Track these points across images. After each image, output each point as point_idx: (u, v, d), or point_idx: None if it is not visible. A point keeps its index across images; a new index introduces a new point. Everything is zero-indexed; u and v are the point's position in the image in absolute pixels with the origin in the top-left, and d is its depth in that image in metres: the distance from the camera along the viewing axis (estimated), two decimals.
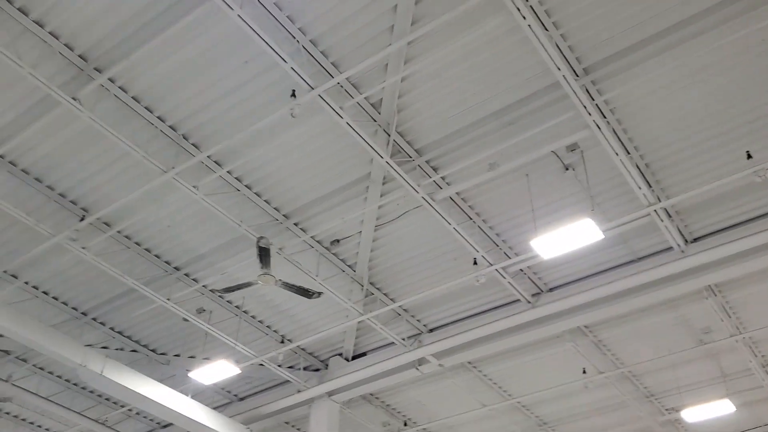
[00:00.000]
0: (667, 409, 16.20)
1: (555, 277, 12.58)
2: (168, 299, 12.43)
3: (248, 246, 12.18)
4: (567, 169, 10.46)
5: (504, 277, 11.76)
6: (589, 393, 15.77)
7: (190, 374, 12.71)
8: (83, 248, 11.35)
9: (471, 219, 11.34)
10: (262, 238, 10.03)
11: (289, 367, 15.28)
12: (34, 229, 11.83)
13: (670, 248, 11.67)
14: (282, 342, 14.06)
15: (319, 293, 11.05)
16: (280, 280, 10.80)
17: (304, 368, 15.04)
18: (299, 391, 14.58)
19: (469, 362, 14.97)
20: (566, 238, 9.61)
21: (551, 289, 12.77)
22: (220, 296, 13.34)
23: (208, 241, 12.17)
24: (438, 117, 9.87)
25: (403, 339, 13.59)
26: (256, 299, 13.39)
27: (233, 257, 12.45)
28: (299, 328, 14.17)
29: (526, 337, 12.65)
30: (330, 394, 14.74)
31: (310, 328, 14.15)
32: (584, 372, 14.58)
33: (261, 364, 14.99)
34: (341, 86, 9.32)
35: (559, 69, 8.44)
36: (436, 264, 12.47)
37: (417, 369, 13.78)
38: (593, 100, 9.17)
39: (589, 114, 9.03)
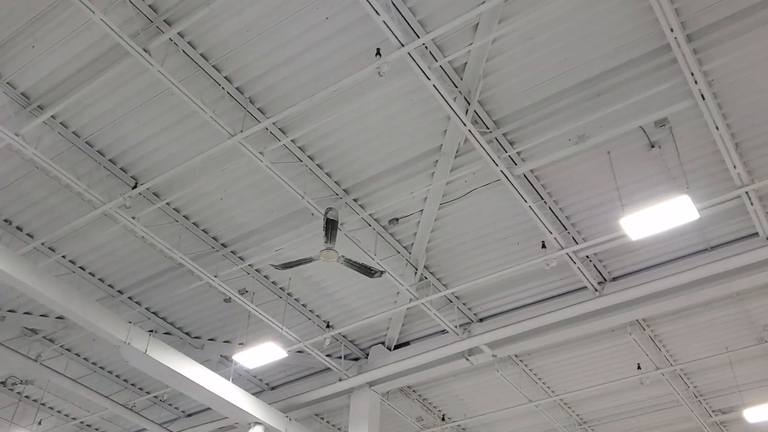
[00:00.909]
0: (714, 411, 15.62)
1: (620, 266, 12.00)
2: (215, 276, 11.80)
3: (300, 223, 11.57)
4: (653, 146, 9.90)
5: (574, 262, 11.17)
6: (635, 391, 15.18)
7: (234, 357, 12.07)
8: (133, 218, 10.72)
9: (542, 199, 10.76)
10: (330, 209, 9.42)
11: (327, 356, 14.67)
12: (78, 198, 11.24)
13: (749, 236, 11.12)
14: (328, 327, 13.43)
15: (381, 272, 10.45)
16: (342, 256, 10.20)
17: (344, 357, 14.41)
18: (340, 380, 13.94)
19: (516, 355, 14.39)
20: (659, 217, 9.04)
21: (615, 279, 12.19)
22: (265, 277, 12.71)
23: (259, 217, 11.55)
24: (523, 85, 9.30)
25: (455, 327, 12.98)
26: (303, 280, 12.78)
27: (282, 235, 11.83)
28: (343, 313, 13.55)
29: (589, 327, 12.08)
30: (371, 384, 14.13)
31: (355, 313, 13.53)
32: (639, 367, 14.01)
33: (299, 351, 14.40)
34: (425, 47, 8.73)
35: (672, 30, 7.88)
36: (496, 248, 11.88)
37: (467, 359, 13.18)
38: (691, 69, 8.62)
39: (696, 83, 8.47)
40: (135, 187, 10.46)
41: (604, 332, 13.57)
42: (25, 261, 10.04)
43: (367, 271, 10.43)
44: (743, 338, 13.48)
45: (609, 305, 11.76)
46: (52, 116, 9.96)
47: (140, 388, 16.19)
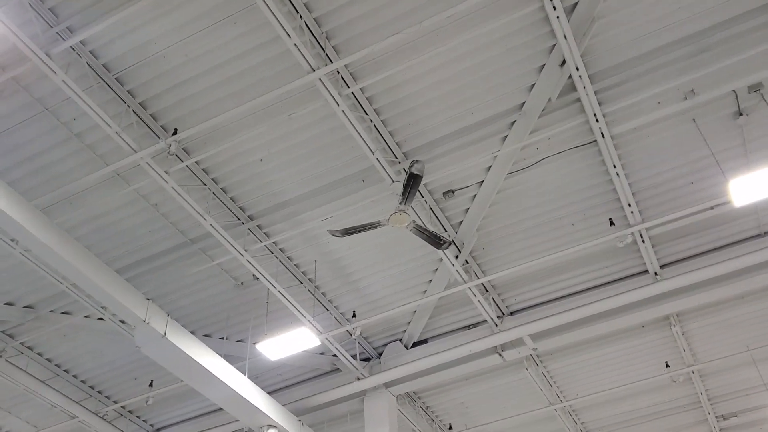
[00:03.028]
0: (717, 417, 15.27)
1: (669, 252, 11.42)
2: (246, 250, 10.28)
3: (345, 193, 10.30)
4: (741, 114, 9.43)
5: (643, 242, 10.49)
6: (647, 396, 14.61)
7: (258, 346, 10.52)
8: (166, 172, 9.12)
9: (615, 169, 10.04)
10: (416, 162, 8.25)
11: (332, 356, 13.25)
12: (88, 152, 9.54)
13: None
14: (354, 317, 12.04)
15: (450, 242, 9.37)
16: (413, 221, 9.04)
17: (358, 356, 13.00)
18: (358, 379, 12.52)
19: (538, 356, 13.50)
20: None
21: (662, 266, 11.59)
22: (289, 258, 11.27)
23: (299, 184, 10.19)
24: (631, 33, 8.59)
25: (495, 318, 11.96)
26: (330, 263, 11.42)
27: (319, 208, 10.50)
28: (366, 304, 12.23)
29: (646, 315, 11.35)
30: (387, 385, 12.81)
31: (378, 305, 12.25)
32: (667, 365, 13.44)
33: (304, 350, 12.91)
34: None
35: None
36: (548, 230, 11.01)
37: (500, 355, 12.16)
38: None
39: None
40: (175, 133, 8.89)
41: (633, 328, 12.94)
42: (37, 212, 8.23)
43: (437, 240, 9.31)
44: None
45: (669, 290, 11.04)
46: (81, 41, 8.33)
47: (107, 396, 14.05)
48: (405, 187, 8.52)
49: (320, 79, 8.16)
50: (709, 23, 8.55)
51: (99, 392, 13.91)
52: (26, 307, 11.85)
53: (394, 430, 12.39)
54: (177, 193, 9.33)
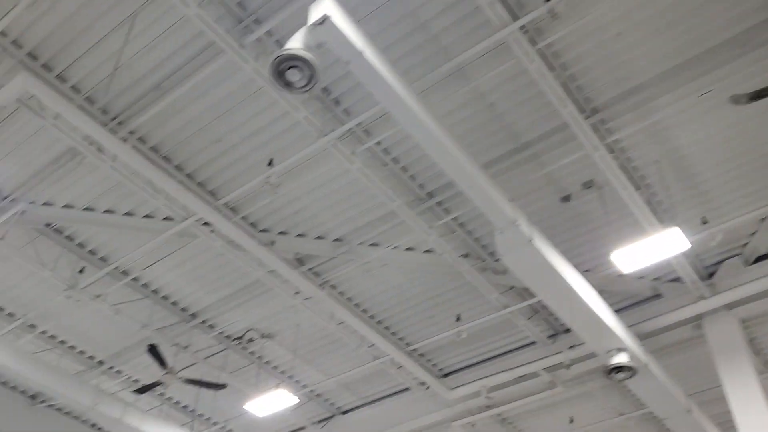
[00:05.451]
0: None
1: None
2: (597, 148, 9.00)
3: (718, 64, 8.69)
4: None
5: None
6: None
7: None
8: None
9: None
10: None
11: (654, 279, 11.71)
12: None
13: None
14: (705, 222, 10.42)
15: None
16: None
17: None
18: (703, 298, 10.91)
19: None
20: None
21: None
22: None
23: (653, 63, 8.73)
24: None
25: None
26: (669, 165, 9.89)
27: (675, 91, 8.96)
28: (705, 212, 10.58)
29: None
30: (730, 306, 11.13)
31: (719, 213, 10.56)
32: None
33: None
34: None
35: None
36: None
37: None
38: None
39: None
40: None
41: None
42: (416, 95, 7.33)
43: None
44: None
45: None
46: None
47: (400, 339, 13.31)
48: None
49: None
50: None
51: (393, 334, 13.22)
52: (335, 240, 11.30)
53: (748, 359, 10.69)
54: (542, 74, 8.17)
